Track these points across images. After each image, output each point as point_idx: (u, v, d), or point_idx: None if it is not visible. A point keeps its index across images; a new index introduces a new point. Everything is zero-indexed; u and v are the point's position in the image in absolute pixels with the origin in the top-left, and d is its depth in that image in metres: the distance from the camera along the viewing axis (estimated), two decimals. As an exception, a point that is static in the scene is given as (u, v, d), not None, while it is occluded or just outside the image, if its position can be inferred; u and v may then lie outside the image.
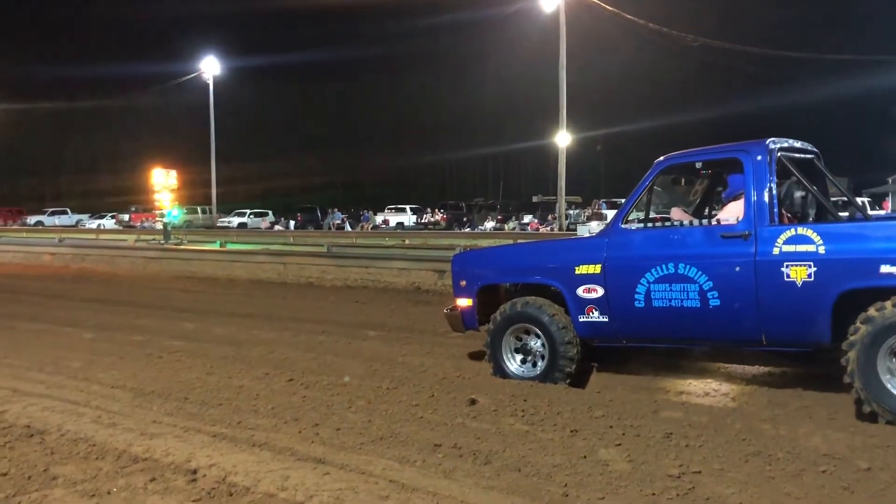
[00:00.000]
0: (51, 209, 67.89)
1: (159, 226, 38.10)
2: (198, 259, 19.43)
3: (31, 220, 64.81)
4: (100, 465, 4.49)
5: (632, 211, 6.34)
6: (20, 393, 6.33)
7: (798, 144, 6.32)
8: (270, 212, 52.91)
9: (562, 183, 37.75)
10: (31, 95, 72.49)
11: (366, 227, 46.66)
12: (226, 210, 50.61)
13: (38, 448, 4.83)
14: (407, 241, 30.34)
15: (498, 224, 45.51)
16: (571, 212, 41.22)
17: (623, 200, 6.97)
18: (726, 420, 5.31)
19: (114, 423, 5.39)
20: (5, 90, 71.41)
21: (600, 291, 6.18)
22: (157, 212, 27.43)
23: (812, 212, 6.29)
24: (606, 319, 6.21)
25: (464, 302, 7.04)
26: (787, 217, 5.99)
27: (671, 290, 5.87)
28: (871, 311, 5.10)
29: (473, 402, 5.82)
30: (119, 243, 25.51)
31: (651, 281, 5.93)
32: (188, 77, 48.58)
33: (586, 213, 41.92)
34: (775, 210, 5.61)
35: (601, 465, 4.50)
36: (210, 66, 45.65)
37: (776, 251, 5.43)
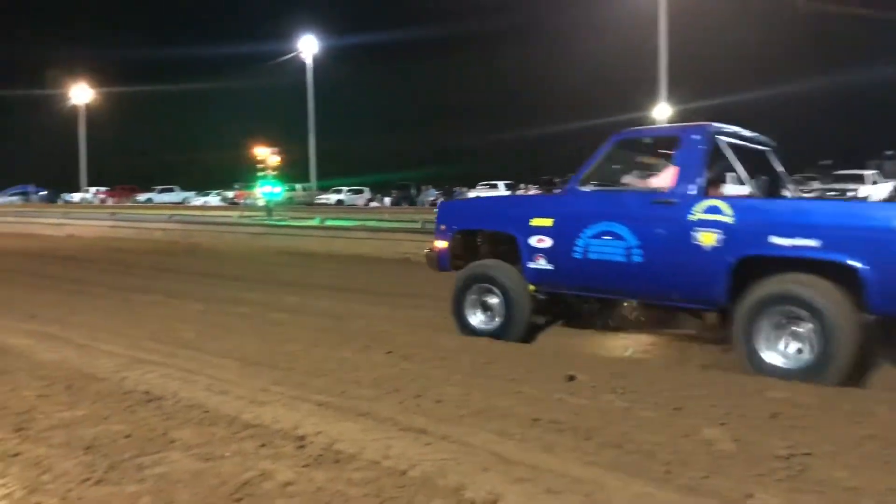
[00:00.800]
0: (160, 187, 71.24)
1: (261, 202, 39.40)
2: (299, 235, 20.00)
3: (142, 197, 68.26)
4: (213, 431, 4.71)
5: (589, 175, 7.03)
6: (138, 361, 6.69)
7: (747, 134, 7.06)
8: (367, 189, 53.84)
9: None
10: (141, 78, 75.91)
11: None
12: (324, 187, 51.91)
13: (157, 413, 5.11)
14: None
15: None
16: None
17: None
18: (836, 401, 5.11)
19: (225, 391, 5.64)
20: (116, 74, 74.94)
21: (548, 242, 7.00)
22: (259, 189, 28.30)
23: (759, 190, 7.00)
24: (552, 268, 7.02)
25: (441, 244, 7.98)
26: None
27: (604, 245, 6.62)
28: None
29: (572, 378, 5.80)
30: (224, 219, 26.49)
31: (589, 236, 6.70)
32: (287, 57, 49.82)
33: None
34: (701, 183, 6.24)
35: (705, 444, 4.42)
36: (308, 46, 46.66)
37: (693, 218, 6.08)
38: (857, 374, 5.82)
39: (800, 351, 5.65)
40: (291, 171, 40.06)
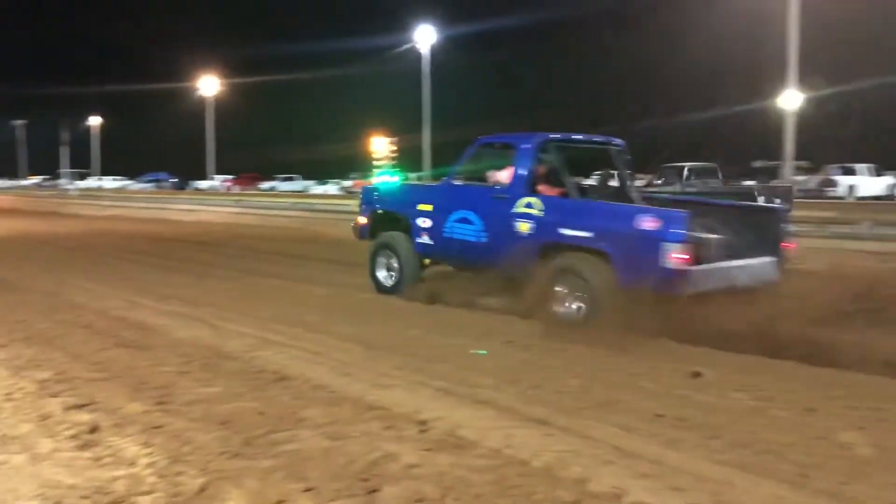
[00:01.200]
0: (282, 175, 73.92)
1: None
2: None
3: (265, 185, 71.05)
4: (339, 411, 4.87)
5: (460, 171, 8.93)
6: (266, 342, 6.99)
7: (582, 138, 8.75)
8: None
9: (789, 147, 35.11)
10: (263, 70, 78.71)
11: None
12: (438, 176, 52.48)
13: (286, 392, 5.32)
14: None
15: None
16: (799, 178, 36.44)
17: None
18: None
19: (349, 374, 5.81)
20: (241, 66, 78.17)
21: (429, 223, 8.86)
22: (375, 178, 28.88)
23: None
24: (432, 243, 8.91)
25: (363, 220, 10.13)
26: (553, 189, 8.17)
27: (461, 227, 8.46)
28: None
29: (697, 374, 5.65)
30: (343, 207, 27.20)
31: (453, 220, 8.55)
32: (405, 47, 50.51)
33: (816, 180, 37.27)
34: (528, 182, 7.93)
35: (842, 447, 4.22)
36: (425, 36, 47.19)
37: (518, 210, 7.79)
38: None
39: (578, 308, 7.18)
40: (407, 161, 40.69)
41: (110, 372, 5.85)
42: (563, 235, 7.38)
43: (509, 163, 8.27)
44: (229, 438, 4.37)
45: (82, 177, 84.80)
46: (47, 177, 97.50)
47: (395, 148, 27.92)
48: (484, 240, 8.24)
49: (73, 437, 4.43)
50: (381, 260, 9.61)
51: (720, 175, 33.78)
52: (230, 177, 76.27)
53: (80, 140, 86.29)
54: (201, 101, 68.37)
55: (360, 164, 58.70)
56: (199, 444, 4.29)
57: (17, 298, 9.42)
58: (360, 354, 6.47)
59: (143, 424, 4.60)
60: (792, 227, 8.03)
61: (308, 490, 3.70)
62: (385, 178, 28.07)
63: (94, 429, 4.53)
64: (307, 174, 74.76)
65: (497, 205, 8.08)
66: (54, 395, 5.24)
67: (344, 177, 62.00)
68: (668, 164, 32.46)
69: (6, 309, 8.60)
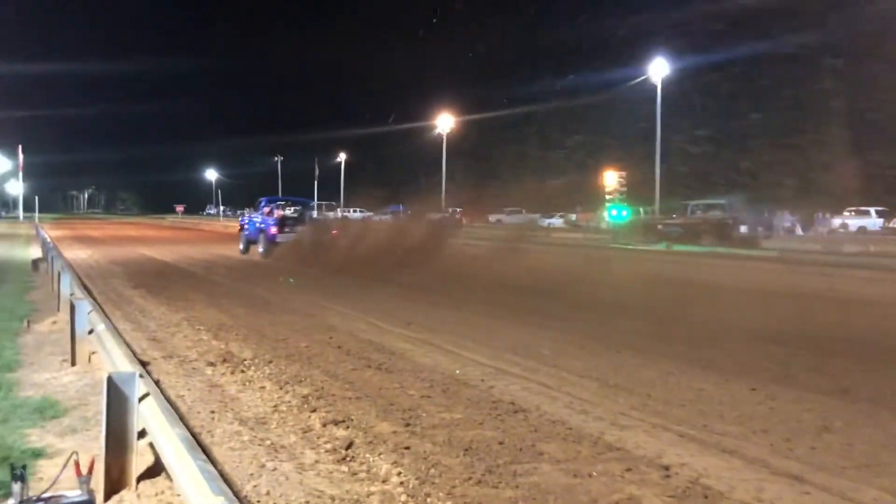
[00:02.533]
0: (508, 208, 75.39)
1: (603, 225, 39.69)
2: (644, 259, 19.84)
3: (493, 218, 72.82)
4: (578, 448, 4.86)
5: (263, 207, 25.61)
6: (501, 371, 7.15)
7: (285, 197, 29.97)
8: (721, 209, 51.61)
9: None
10: (493, 106, 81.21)
11: (821, 230, 42.75)
12: (667, 210, 50.89)
13: (524, 424, 5.40)
14: (872, 248, 27.03)
15: None
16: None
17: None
18: None
19: (585, 411, 5.78)
20: (473, 104, 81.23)
21: (247, 226, 25.38)
22: (603, 212, 28.62)
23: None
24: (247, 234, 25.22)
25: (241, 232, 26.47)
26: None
27: (253, 225, 24.69)
28: None
29: None
30: (569, 241, 27.26)
31: (252, 224, 24.78)
32: (636, 81, 49.80)
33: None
34: (262, 211, 24.80)
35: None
36: (658, 69, 46.29)
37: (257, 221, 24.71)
38: None
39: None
40: (636, 194, 39.88)
41: (362, 391, 6.28)
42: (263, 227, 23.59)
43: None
44: (472, 465, 4.51)
45: (330, 208, 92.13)
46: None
47: (623, 181, 27.45)
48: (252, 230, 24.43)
49: (332, 450, 4.81)
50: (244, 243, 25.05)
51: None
52: (458, 209, 79.09)
53: (330, 174, 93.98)
54: (437, 138, 71.98)
55: (586, 197, 58.52)
56: (444, 467, 4.47)
57: (276, 318, 10.42)
58: (596, 391, 6.41)
59: (394, 444, 4.88)
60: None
61: (550, 525, 3.72)
62: (614, 212, 27.86)
63: (349, 444, 4.88)
64: (534, 207, 75.60)
65: (256, 225, 24.22)
66: (314, 410, 5.71)
67: (570, 210, 61.97)
68: None
69: (270, 328, 9.55)
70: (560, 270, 18.31)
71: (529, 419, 5.53)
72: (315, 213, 25.88)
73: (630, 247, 23.60)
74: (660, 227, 28.43)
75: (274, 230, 21.73)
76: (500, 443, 4.94)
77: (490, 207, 77.71)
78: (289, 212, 23.69)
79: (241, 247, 24.00)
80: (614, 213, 27.77)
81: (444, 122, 69.78)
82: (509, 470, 4.45)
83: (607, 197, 28.10)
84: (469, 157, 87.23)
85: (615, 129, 71.64)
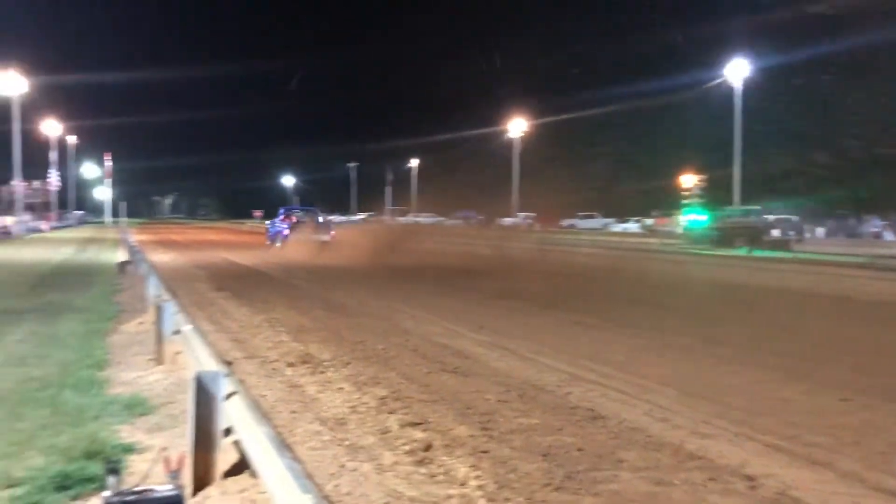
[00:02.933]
0: (582, 213, 74.73)
1: (678, 230, 38.88)
2: (722, 265, 19.35)
3: (566, 223, 72.34)
4: (658, 457, 4.76)
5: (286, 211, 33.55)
6: (577, 378, 7.07)
7: (301, 207, 40.36)
8: (794, 217, 50.08)
9: None
10: (566, 109, 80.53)
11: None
12: (748, 214, 49.53)
13: (603, 431, 5.33)
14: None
15: None
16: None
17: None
18: None
19: (665, 419, 5.67)
20: (544, 108, 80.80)
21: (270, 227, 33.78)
22: (679, 216, 28.03)
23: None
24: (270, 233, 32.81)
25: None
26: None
27: (274, 226, 31.93)
28: None
29: None
30: (645, 246, 26.81)
31: (276, 225, 31.67)
32: (714, 83, 48.71)
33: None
34: (282, 217, 31.60)
35: None
36: (737, 70, 45.16)
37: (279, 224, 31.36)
38: None
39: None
40: (716, 195, 38.92)
41: (438, 394, 6.31)
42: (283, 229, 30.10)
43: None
44: (551, 471, 4.48)
45: (402, 213, 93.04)
46: (372, 213, 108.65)
47: (702, 184, 26.84)
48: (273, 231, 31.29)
49: (410, 452, 4.84)
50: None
51: None
52: (532, 214, 78.88)
53: (402, 180, 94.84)
54: (508, 143, 71.79)
55: (662, 202, 57.45)
56: (523, 472, 4.45)
57: (354, 321, 10.56)
58: (675, 399, 6.28)
59: (471, 448, 4.88)
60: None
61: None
62: (692, 217, 27.28)
63: (427, 447, 4.90)
64: (607, 212, 74.77)
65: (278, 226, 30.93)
66: (391, 412, 5.77)
67: (646, 215, 60.98)
68: None
69: (348, 330, 9.69)
70: (646, 276, 18.01)
71: (608, 426, 5.45)
72: (321, 219, 32.23)
73: (706, 252, 23.07)
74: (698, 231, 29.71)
75: (286, 231, 29.97)
76: (580, 449, 4.88)
77: (564, 212, 77.28)
78: (298, 215, 32.23)
79: (268, 242, 31.59)
80: (692, 218, 27.11)
81: (517, 127, 69.50)
82: (589, 477, 4.39)
83: (684, 201, 27.47)
84: (543, 161, 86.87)
85: (694, 132, 70.11)
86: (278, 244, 29.62)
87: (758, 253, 21.71)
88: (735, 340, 9.23)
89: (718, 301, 14.30)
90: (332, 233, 30.60)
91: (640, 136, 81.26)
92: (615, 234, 49.86)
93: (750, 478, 4.37)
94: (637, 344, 8.96)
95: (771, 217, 27.97)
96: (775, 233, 25.35)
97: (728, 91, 46.33)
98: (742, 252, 21.99)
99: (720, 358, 8.07)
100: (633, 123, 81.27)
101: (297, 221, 30.92)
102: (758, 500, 4.05)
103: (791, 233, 25.84)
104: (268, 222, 38.45)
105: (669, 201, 45.99)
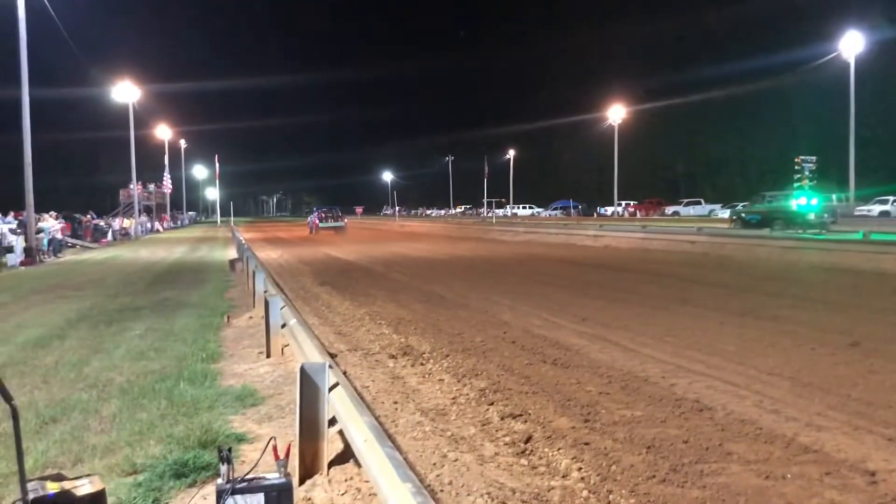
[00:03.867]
0: (686, 200, 72.69)
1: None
2: (837, 250, 18.39)
3: (669, 210, 70.54)
4: (770, 450, 4.59)
5: (320, 211, 51.54)
6: (682, 369, 6.89)
7: (328, 207, 55.61)
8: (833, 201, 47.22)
9: None
10: (667, 94, 78.41)
11: None
12: (864, 197, 46.91)
13: (709, 423, 5.18)
14: None
15: None
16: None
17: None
18: None
19: (776, 410, 5.45)
20: (646, 92, 78.90)
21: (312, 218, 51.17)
22: (795, 201, 26.84)
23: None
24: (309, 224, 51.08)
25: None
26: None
27: (310, 220, 52.25)
28: None
29: None
30: (754, 232, 25.80)
31: (309, 220, 51.59)
32: (827, 58, 46.33)
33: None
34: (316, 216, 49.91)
35: None
36: (851, 44, 42.76)
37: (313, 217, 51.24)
38: None
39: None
40: (829, 181, 37.03)
41: (538, 386, 6.28)
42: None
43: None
44: (655, 463, 4.38)
45: (500, 205, 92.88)
46: (469, 206, 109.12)
47: (814, 167, 25.61)
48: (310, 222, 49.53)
49: (511, 443, 4.84)
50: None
51: None
52: (633, 202, 77.32)
53: (498, 171, 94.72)
54: (608, 130, 70.53)
55: (773, 186, 55.26)
56: (626, 464, 4.37)
57: (452, 314, 10.64)
58: (788, 390, 6.03)
59: (573, 440, 4.84)
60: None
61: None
62: (803, 201, 26.08)
63: (528, 438, 4.89)
64: (712, 198, 72.47)
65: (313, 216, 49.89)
66: (491, 404, 5.78)
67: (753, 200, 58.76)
68: None
69: (446, 323, 9.77)
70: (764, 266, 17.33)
71: (715, 418, 5.29)
72: (340, 213, 48.42)
73: (819, 237, 21.99)
74: (743, 215, 32.30)
75: (317, 221, 45.21)
76: (685, 441, 4.76)
77: (668, 199, 75.40)
78: (325, 212, 47.80)
79: (309, 231, 45.35)
80: (803, 202, 25.88)
81: (616, 114, 68.15)
82: (695, 469, 4.28)
83: (795, 185, 26.29)
84: (643, 148, 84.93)
85: (808, 114, 66.90)
86: (313, 231, 45.31)
87: (876, 237, 20.58)
88: (837, 327, 8.79)
89: (820, 286, 13.64)
90: (345, 222, 47.27)
91: (752, 118, 78.19)
92: (722, 220, 48.14)
93: (871, 473, 4.16)
94: (745, 333, 8.64)
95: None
96: (812, 216, 27.42)
97: (844, 67, 44.01)
98: (858, 236, 20.92)
99: (832, 345, 7.68)
100: (742, 104, 78.31)
101: (325, 216, 47.37)
102: (880, 497, 3.84)
103: (825, 215, 27.83)
104: (309, 217, 53.18)
105: (780, 184, 44.16)
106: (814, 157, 26.11)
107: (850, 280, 14.71)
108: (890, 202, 44.75)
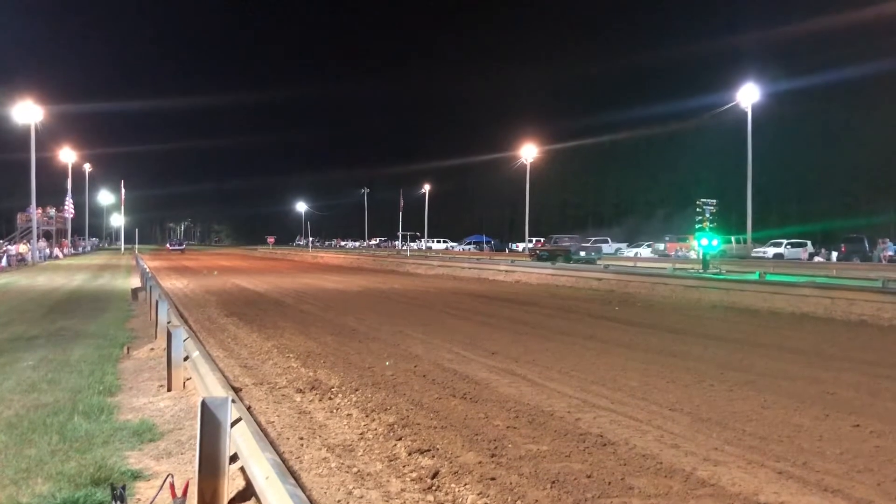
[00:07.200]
0: (593, 238, 74.66)
1: (693, 255, 38.73)
2: (737, 290, 19.20)
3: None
4: (669, 484, 4.70)
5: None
6: (588, 404, 7.01)
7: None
8: (809, 242, 49.87)
9: None
10: (577, 135, 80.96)
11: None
12: (759, 239, 49.32)
13: (612, 457, 5.27)
14: None
15: None
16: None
17: None
18: None
19: (676, 445, 5.61)
20: (556, 133, 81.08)
21: None
22: (692, 242, 28.01)
23: None
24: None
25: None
26: None
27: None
28: None
29: None
30: (657, 271, 26.66)
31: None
32: (725, 107, 48.74)
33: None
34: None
35: None
36: (748, 95, 45.15)
37: None
38: None
39: None
40: (727, 223, 38.82)
41: (447, 420, 6.27)
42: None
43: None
44: (560, 498, 4.43)
45: (414, 239, 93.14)
46: (385, 238, 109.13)
47: (714, 210, 26.75)
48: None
49: (418, 479, 4.80)
50: None
51: None
52: (543, 239, 78.95)
53: (414, 205, 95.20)
54: (520, 168, 71.90)
55: (675, 227, 57.40)
56: (531, 499, 4.40)
57: (363, 346, 10.54)
58: (687, 425, 6.21)
59: (479, 475, 4.84)
60: None
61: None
62: (704, 242, 27.19)
63: (435, 474, 4.87)
64: (618, 237, 74.67)
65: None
66: (399, 439, 5.73)
67: (657, 239, 60.83)
68: None
69: (357, 356, 9.67)
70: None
71: (618, 453, 5.39)
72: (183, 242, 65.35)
73: (719, 277, 22.93)
74: (537, 251, 45.54)
75: (168, 247, 54.27)
76: (588, 476, 4.83)
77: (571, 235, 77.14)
78: (176, 242, 63.84)
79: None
80: (704, 243, 26.96)
81: (528, 153, 69.59)
82: (598, 504, 4.34)
83: (696, 226, 27.38)
84: (553, 187, 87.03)
85: (707, 158, 70.10)
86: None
87: (770, 277, 21.65)
88: (736, 363, 9.17)
89: (721, 323, 14.21)
90: (184, 247, 58.27)
91: (655, 161, 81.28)
92: (627, 258, 49.67)
93: (761, 506, 4.30)
94: (649, 369, 8.89)
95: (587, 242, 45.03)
96: (583, 253, 39.96)
97: (741, 115, 46.39)
98: (755, 277, 21.97)
99: (730, 382, 7.99)
100: (647, 147, 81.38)
101: (174, 244, 61.34)
102: (769, 529, 3.98)
103: (593, 253, 41.35)
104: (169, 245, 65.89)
105: (682, 226, 45.97)
106: (714, 200, 27.22)
107: (747, 318, 15.36)
108: (783, 245, 47.16)
